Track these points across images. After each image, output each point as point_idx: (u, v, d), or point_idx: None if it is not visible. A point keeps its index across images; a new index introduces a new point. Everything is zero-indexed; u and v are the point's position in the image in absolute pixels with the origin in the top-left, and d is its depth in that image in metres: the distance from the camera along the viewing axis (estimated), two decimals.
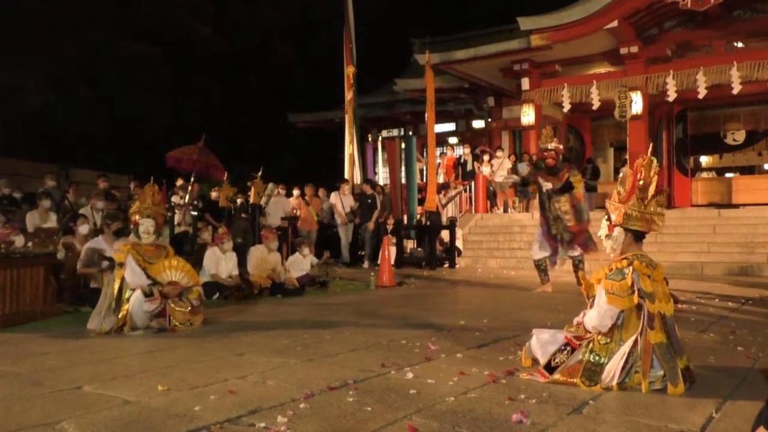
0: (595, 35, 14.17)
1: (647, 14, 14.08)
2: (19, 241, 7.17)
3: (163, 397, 3.22)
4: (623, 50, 14.81)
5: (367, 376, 3.64)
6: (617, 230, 3.57)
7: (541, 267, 8.40)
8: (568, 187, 8.07)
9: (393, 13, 28.21)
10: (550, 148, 8.15)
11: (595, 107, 15.19)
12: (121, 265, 5.54)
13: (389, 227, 12.93)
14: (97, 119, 24.32)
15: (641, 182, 3.53)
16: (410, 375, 3.66)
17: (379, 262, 10.69)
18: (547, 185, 8.11)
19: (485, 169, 16.26)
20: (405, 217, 14.01)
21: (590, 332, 3.55)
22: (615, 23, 13.78)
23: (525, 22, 14.25)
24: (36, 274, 6.32)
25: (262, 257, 8.71)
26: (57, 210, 10.29)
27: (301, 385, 3.41)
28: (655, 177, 3.55)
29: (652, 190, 3.53)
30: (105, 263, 6.46)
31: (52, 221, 9.52)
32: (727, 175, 18.68)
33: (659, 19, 14.59)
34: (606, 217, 3.65)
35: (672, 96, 14.25)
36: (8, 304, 5.94)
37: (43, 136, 21.51)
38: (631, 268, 3.43)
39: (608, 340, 3.44)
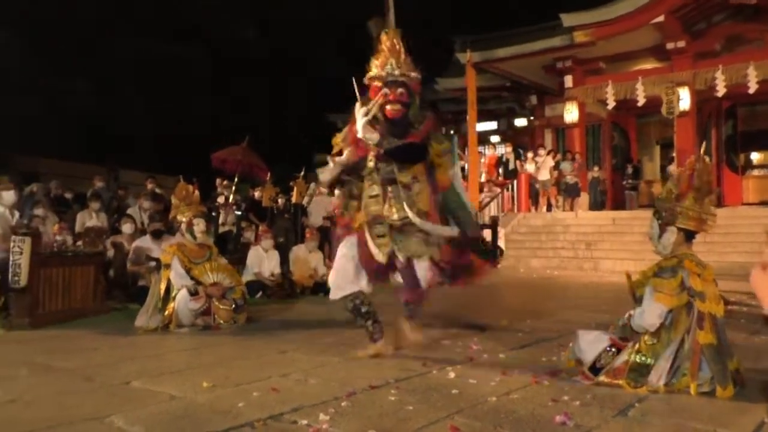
0: (641, 30, 13.88)
1: (695, 8, 13.73)
2: (67, 241, 7.39)
3: (208, 394, 3.28)
4: (670, 45, 14.46)
5: (408, 375, 3.64)
6: (670, 229, 3.50)
7: (359, 309, 4.33)
8: (415, 153, 4.26)
9: (434, 11, 28.14)
10: (399, 78, 4.25)
11: (640, 104, 14.87)
12: (167, 266, 5.67)
13: None
14: (145, 121, 24.92)
15: (697, 181, 3.46)
16: (452, 374, 3.65)
17: None
18: (373, 137, 4.19)
19: (529, 167, 16.05)
20: None
21: (637, 333, 3.48)
22: (662, 18, 13.47)
23: (568, 19, 14.05)
24: (87, 273, 6.52)
25: (303, 257, 8.78)
26: (106, 210, 10.56)
27: (343, 384, 3.43)
28: (710, 176, 3.49)
29: (706, 189, 3.47)
30: (152, 264, 6.61)
31: (101, 221, 9.78)
32: None
33: (707, 12, 14.20)
34: (656, 215, 3.58)
35: (721, 91, 13.85)
36: (60, 301, 6.15)
37: (93, 139, 22.13)
38: (681, 266, 3.36)
39: (655, 341, 3.36)
